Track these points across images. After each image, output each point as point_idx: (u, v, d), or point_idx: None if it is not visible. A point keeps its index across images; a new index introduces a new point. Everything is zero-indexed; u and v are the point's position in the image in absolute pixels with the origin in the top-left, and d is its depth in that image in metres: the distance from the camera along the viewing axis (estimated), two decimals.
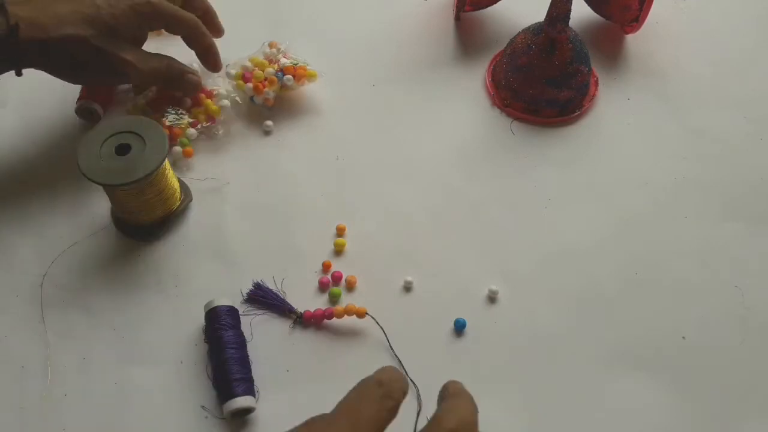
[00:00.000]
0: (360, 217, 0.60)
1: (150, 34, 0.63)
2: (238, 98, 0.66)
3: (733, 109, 0.67)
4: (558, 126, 0.66)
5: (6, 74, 0.57)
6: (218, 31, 0.67)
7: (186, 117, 0.63)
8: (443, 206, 0.61)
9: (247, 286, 0.55)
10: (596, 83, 0.68)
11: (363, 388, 0.34)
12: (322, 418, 0.33)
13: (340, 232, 0.59)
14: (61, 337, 0.53)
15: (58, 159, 0.63)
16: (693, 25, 0.73)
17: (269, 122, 0.65)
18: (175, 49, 0.63)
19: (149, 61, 0.59)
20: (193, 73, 0.63)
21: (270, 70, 0.65)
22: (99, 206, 0.60)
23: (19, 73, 0.57)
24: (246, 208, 0.60)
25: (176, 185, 0.58)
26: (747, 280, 0.56)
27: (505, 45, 0.68)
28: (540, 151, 0.64)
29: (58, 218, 0.59)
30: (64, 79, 0.60)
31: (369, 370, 0.36)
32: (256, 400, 0.50)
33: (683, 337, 0.54)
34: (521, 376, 0.52)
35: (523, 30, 0.66)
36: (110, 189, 0.55)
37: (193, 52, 0.63)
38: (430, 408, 0.48)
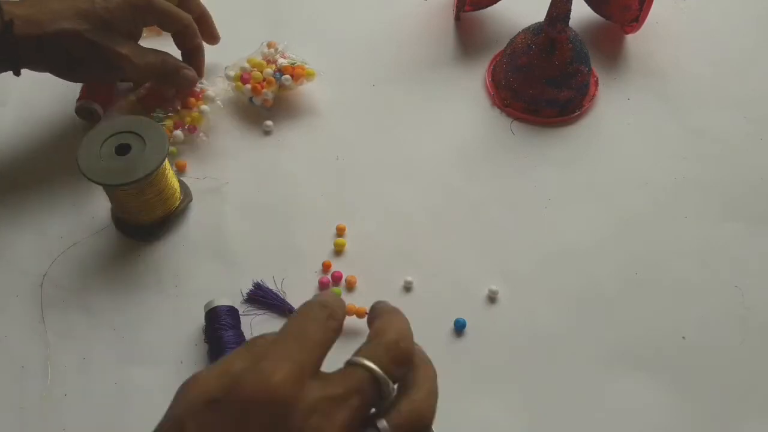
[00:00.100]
0: (360, 217, 0.60)
1: (148, 34, 0.63)
2: (230, 98, 0.65)
3: (733, 109, 0.67)
4: (558, 126, 0.66)
5: (5, 74, 0.57)
6: (213, 37, 0.66)
7: (170, 118, 0.63)
8: (443, 206, 0.60)
9: (247, 286, 0.55)
10: (596, 83, 0.68)
11: (307, 310, 0.33)
12: (263, 337, 0.32)
13: (340, 232, 0.59)
14: (61, 337, 0.53)
15: (58, 159, 0.63)
16: (693, 25, 0.73)
17: (269, 122, 0.65)
18: (174, 48, 0.63)
19: (145, 55, 0.59)
20: (188, 69, 0.63)
21: (268, 70, 0.65)
22: (99, 206, 0.60)
23: (17, 73, 0.57)
24: (246, 208, 0.60)
25: (176, 185, 0.58)
26: (747, 280, 0.56)
27: (505, 45, 0.68)
28: (540, 151, 0.64)
29: (58, 218, 0.59)
30: (61, 77, 0.60)
31: None
32: None
33: (683, 337, 0.54)
34: (521, 376, 0.52)
35: (523, 30, 0.66)
36: (110, 189, 0.55)
37: None
38: None
